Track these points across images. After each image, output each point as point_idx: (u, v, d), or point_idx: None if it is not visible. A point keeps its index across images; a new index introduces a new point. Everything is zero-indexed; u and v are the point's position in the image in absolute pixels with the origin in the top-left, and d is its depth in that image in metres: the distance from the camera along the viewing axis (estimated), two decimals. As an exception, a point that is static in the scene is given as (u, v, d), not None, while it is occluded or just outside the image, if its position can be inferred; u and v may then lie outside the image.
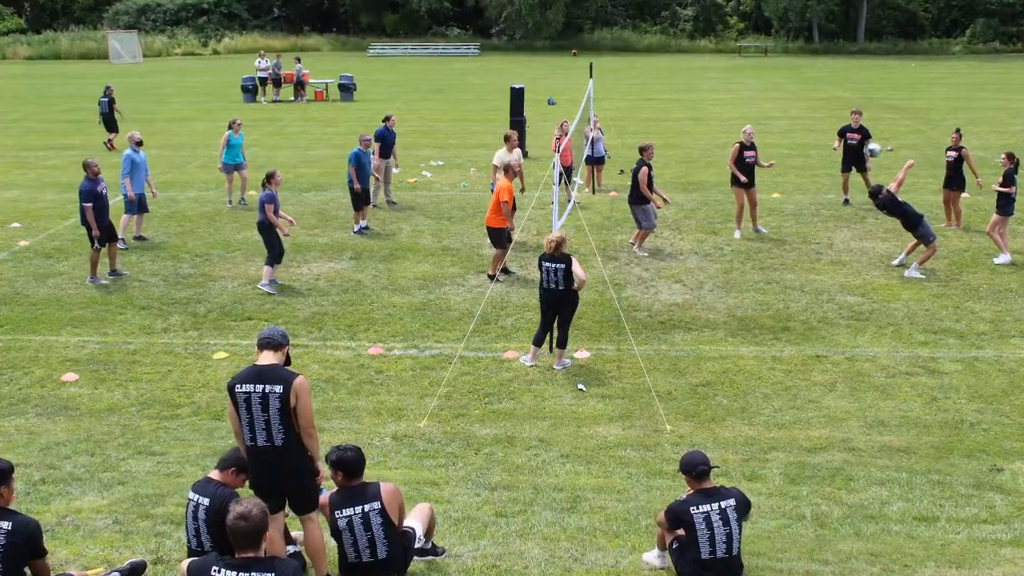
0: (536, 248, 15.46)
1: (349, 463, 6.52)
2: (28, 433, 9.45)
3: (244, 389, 6.44)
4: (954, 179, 16.59)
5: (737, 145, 16.16)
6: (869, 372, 10.73)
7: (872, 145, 17.96)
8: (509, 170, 13.92)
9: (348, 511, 6.49)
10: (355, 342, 11.74)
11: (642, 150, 15.17)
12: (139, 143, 16.01)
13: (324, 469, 6.79)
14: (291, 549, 7.07)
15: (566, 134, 17.14)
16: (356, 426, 9.54)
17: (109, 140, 25.87)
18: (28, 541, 5.98)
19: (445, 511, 7.94)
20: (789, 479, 8.42)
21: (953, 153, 16.57)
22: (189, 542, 6.57)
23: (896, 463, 8.70)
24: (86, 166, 13.82)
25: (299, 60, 39.14)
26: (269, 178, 13.41)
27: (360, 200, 16.65)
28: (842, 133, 18.54)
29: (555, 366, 10.85)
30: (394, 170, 19.39)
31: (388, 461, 8.83)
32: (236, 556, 5.17)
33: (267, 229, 13.42)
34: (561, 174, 13.91)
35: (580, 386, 10.35)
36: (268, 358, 6.56)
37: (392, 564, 6.57)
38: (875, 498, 8.08)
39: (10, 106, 35.61)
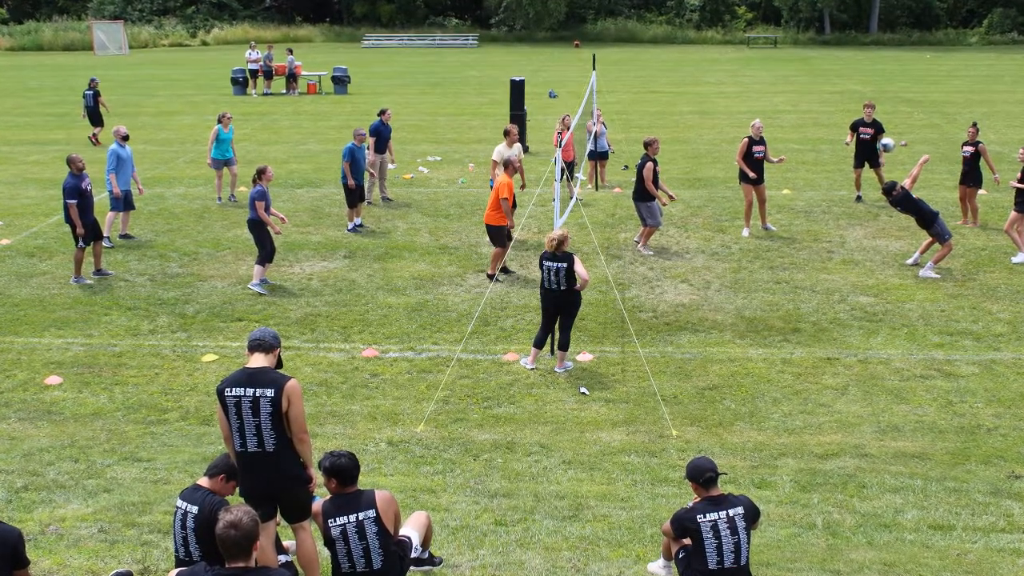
0: (537, 247, 15.17)
1: (343, 470, 6.29)
2: (10, 439, 9.17)
3: (234, 393, 6.21)
4: (970, 175, 16.30)
5: (746, 140, 15.87)
6: (882, 375, 10.44)
7: (885, 140, 17.68)
8: (509, 166, 13.63)
9: (342, 519, 6.25)
10: (349, 344, 11.45)
11: (647, 145, 14.87)
12: (125, 138, 15.70)
13: (317, 476, 6.55)
14: (283, 559, 6.86)
15: (568, 128, 16.84)
16: (350, 431, 9.25)
17: (94, 135, 25.55)
18: (10, 550, 5.74)
19: (443, 519, 7.67)
20: (800, 486, 8.15)
21: (970, 148, 16.27)
22: (177, 551, 6.34)
23: (910, 470, 8.44)
24: (70, 162, 13.51)
25: (291, 51, 38.83)
26: (260, 174, 13.11)
27: (354, 197, 16.36)
28: (854, 127, 18.26)
29: (557, 369, 10.56)
30: (390, 166, 19.10)
31: (383, 467, 8.54)
32: (226, 566, 5.01)
33: (258, 227, 13.12)
34: (562, 170, 13.61)
35: (582, 389, 10.07)
36: (259, 360, 6.34)
37: (387, 575, 6.30)
38: (889, 506, 7.84)
39: None
